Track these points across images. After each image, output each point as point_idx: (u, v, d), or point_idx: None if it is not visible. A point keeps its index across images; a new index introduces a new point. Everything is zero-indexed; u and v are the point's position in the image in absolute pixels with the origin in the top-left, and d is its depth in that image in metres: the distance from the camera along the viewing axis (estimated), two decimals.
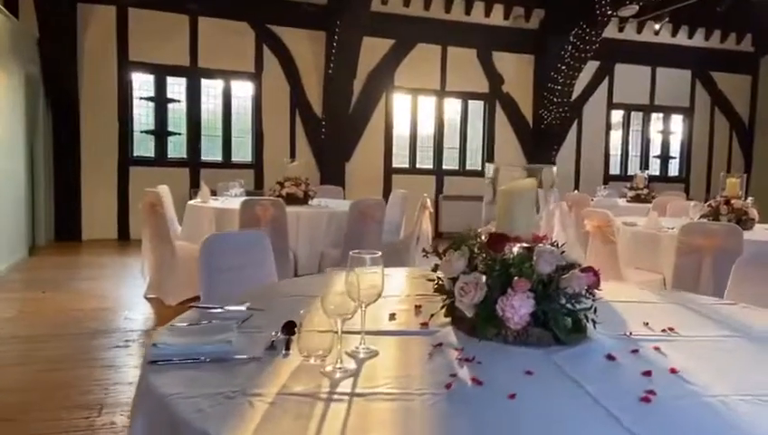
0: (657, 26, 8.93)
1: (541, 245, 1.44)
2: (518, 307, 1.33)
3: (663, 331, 1.54)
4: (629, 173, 10.22)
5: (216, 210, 4.78)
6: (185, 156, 8.45)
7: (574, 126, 10.36)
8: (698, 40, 10.76)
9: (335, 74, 8.52)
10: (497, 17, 9.75)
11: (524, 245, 1.44)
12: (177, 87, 8.35)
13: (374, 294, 1.26)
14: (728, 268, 2.16)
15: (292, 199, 5.17)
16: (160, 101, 8.28)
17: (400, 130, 9.68)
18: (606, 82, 10.46)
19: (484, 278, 1.38)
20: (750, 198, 7.20)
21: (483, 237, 1.48)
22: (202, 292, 2.11)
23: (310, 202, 5.42)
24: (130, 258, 6.68)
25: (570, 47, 9.00)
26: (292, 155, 8.84)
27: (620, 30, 10.06)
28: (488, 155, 10.05)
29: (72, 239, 7.81)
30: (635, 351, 1.36)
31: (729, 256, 3.35)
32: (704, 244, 3.44)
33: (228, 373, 1.15)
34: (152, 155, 8.31)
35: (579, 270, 1.42)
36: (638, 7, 7.90)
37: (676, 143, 11.10)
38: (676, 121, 11.04)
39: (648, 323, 1.59)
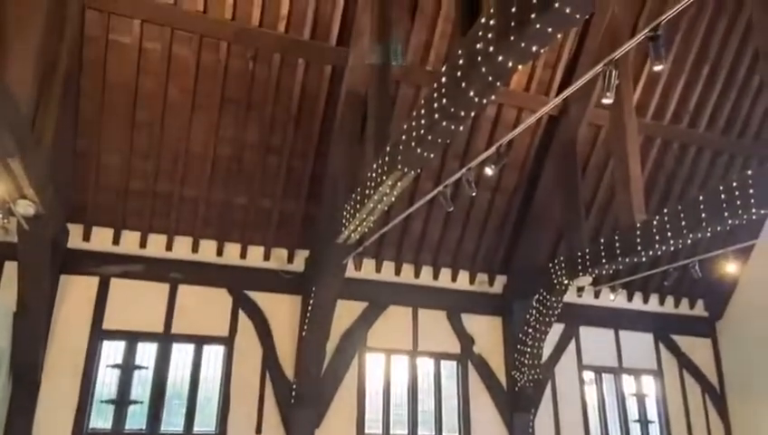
0: (611, 295, 9.58)
1: None
2: None
3: None
4: None
5: None
6: (143, 427, 7.95)
7: (549, 389, 10.30)
8: (654, 305, 11.47)
9: (309, 336, 8.63)
10: (463, 282, 10.40)
11: None
12: (147, 353, 8.27)
13: None
14: None
15: None
16: (128, 368, 8.10)
17: (373, 393, 9.45)
18: (573, 343, 10.75)
19: None
20: None
21: None
22: None
23: None
24: None
25: (534, 311, 9.44)
26: (260, 423, 8.47)
27: (579, 296, 10.75)
28: (464, 418, 9.72)
29: None
30: None
31: None
32: None
33: None
34: (109, 427, 7.81)
35: None
36: (590, 279, 8.55)
37: (652, 406, 10.97)
38: (648, 383, 11.08)
39: None
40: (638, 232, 7.30)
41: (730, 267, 8.40)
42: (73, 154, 7.90)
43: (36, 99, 6.25)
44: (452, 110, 4.54)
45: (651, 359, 11.16)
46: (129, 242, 8.54)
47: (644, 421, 10.77)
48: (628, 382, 10.95)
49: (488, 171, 5.50)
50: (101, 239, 8.40)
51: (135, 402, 8.02)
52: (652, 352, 11.20)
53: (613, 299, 10.12)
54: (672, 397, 11.00)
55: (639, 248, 7.32)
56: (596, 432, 10.37)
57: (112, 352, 8.14)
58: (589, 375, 10.75)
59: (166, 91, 7.93)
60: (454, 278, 10.38)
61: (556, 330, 10.42)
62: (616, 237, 7.74)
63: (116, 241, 8.46)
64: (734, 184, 6.07)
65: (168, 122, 8.11)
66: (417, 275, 10.14)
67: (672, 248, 7.15)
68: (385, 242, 9.65)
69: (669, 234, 6.76)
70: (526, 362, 9.63)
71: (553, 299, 9.30)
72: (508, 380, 9.97)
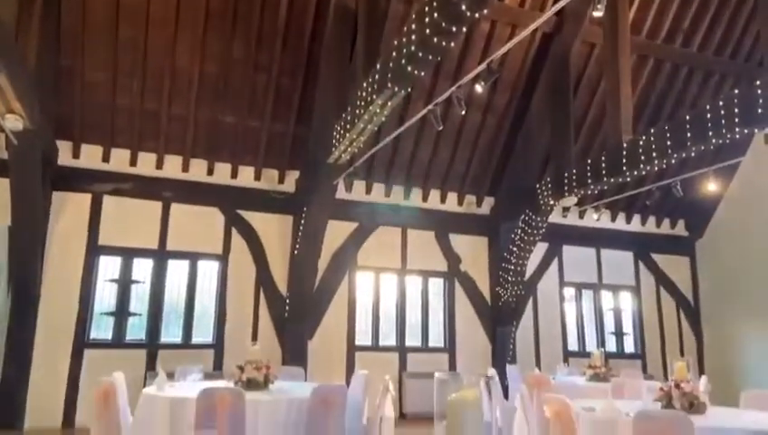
0: (595, 216, 9.83)
1: None
2: None
3: None
4: (587, 349, 10.45)
5: (172, 401, 4.64)
6: (143, 337, 8.31)
7: (530, 303, 10.77)
8: (636, 225, 11.80)
9: (300, 256, 8.87)
10: (452, 204, 10.60)
11: None
12: (143, 268, 8.50)
13: None
14: None
15: (252, 384, 5.10)
16: (125, 282, 8.36)
17: (363, 308, 9.85)
18: (556, 261, 11.13)
19: None
20: (703, 378, 7.40)
21: None
22: None
23: (270, 387, 5.33)
24: None
25: (519, 231, 9.72)
26: (255, 335, 8.85)
27: (564, 216, 11.02)
28: (450, 331, 10.21)
29: (14, 426, 7.26)
30: None
31: None
32: (659, 431, 3.51)
33: None
34: (109, 337, 8.15)
35: None
36: (576, 199, 8.75)
37: (628, 320, 11.55)
38: (625, 298, 11.61)
39: None
40: (625, 152, 7.42)
41: (711, 186, 8.59)
42: (58, 71, 7.76)
43: (17, 15, 6.09)
44: (443, 24, 4.50)
45: (630, 276, 11.62)
46: (120, 160, 8.56)
47: (619, 333, 11.38)
48: (606, 298, 11.46)
49: (478, 88, 5.51)
50: (91, 157, 8.41)
51: (134, 315, 8.33)
52: (631, 270, 11.65)
53: (597, 219, 10.40)
54: (648, 311, 11.56)
55: (625, 168, 7.47)
56: (573, 343, 10.94)
57: (109, 267, 8.35)
58: (569, 291, 11.22)
59: (148, 6, 7.69)
60: (443, 200, 10.56)
61: (540, 248, 10.76)
62: (602, 158, 7.86)
63: (106, 159, 8.47)
64: (721, 103, 6.14)
65: (151, 38, 7.92)
66: (406, 196, 10.29)
67: (656, 168, 7.31)
68: (375, 164, 9.72)
69: (654, 154, 6.89)
70: (510, 279, 10.01)
71: (539, 219, 9.55)
72: (492, 296, 10.39)
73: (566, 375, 7.92)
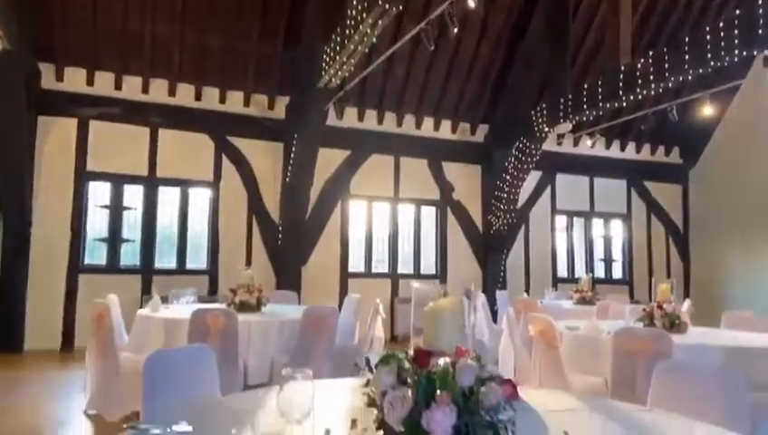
0: (589, 142, 9.73)
1: (463, 359, 1.57)
2: (441, 420, 1.43)
3: None
4: (576, 275, 10.63)
5: (166, 321, 4.74)
6: (137, 263, 8.39)
7: (522, 231, 10.86)
8: (630, 153, 11.73)
9: (292, 183, 8.83)
10: (445, 131, 10.46)
11: (448, 359, 1.57)
12: (134, 195, 8.46)
13: (305, 413, 1.36)
14: None
15: (244, 307, 5.20)
16: (116, 208, 8.35)
17: (356, 236, 9.93)
18: (549, 190, 11.14)
19: (410, 392, 1.49)
20: (687, 301, 7.58)
21: (410, 353, 1.60)
22: (144, 410, 2.12)
23: (263, 309, 5.44)
24: (73, 371, 6.40)
25: (513, 159, 9.65)
26: (248, 261, 8.92)
27: (559, 144, 10.92)
28: (442, 259, 10.35)
29: (13, 350, 7.45)
30: None
31: (659, 361, 3.56)
32: (636, 348, 3.62)
33: None
34: (104, 262, 8.23)
35: (497, 382, 1.56)
36: (570, 125, 8.64)
37: (618, 247, 11.71)
38: (616, 226, 11.73)
39: (567, 433, 1.70)
40: (622, 75, 7.26)
41: (707, 110, 8.42)
42: None
43: None
44: None
45: (622, 204, 11.69)
46: (104, 83, 8.33)
47: (608, 260, 11.57)
48: (597, 225, 11.57)
49: (471, 3, 5.28)
50: (75, 80, 8.18)
51: (127, 241, 8.37)
52: (623, 198, 11.70)
53: (591, 146, 10.30)
54: (638, 239, 11.70)
55: (621, 93, 7.33)
56: (563, 270, 11.13)
57: (99, 193, 8.32)
58: (561, 219, 11.30)
59: None
60: (436, 127, 10.42)
61: (533, 177, 10.74)
62: (599, 82, 7.70)
63: (90, 82, 8.24)
64: (721, 25, 5.94)
65: None
66: (399, 123, 10.13)
67: (653, 93, 7.17)
68: (367, 90, 9.50)
69: (652, 77, 6.74)
70: (502, 207, 10.04)
71: (533, 147, 9.47)
72: (484, 224, 10.45)
73: (553, 299, 8.11)
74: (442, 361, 1.57)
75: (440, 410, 1.44)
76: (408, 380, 1.56)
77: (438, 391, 1.47)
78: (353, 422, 1.74)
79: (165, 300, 5.94)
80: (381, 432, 1.59)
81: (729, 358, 3.81)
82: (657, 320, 4.64)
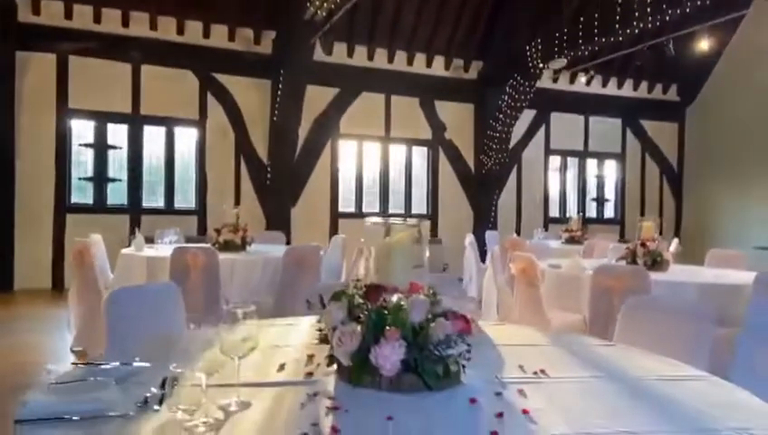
0: (583, 79, 9.48)
1: (416, 295, 1.53)
2: (389, 355, 1.41)
3: (534, 373, 1.64)
4: (568, 215, 10.62)
5: (148, 259, 4.73)
6: (125, 202, 8.33)
7: (514, 171, 10.77)
8: (627, 90, 11.48)
9: (280, 122, 8.66)
10: (438, 68, 10.18)
11: (401, 295, 1.53)
12: (118, 133, 8.30)
13: (247, 348, 1.33)
14: None
15: (229, 246, 5.17)
16: (101, 147, 8.21)
17: (346, 176, 9.84)
18: (543, 129, 10.97)
19: (359, 328, 1.46)
20: (675, 240, 7.59)
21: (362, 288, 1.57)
22: (106, 346, 2.11)
23: (248, 249, 5.42)
24: (63, 309, 6.46)
25: (506, 97, 9.44)
26: (237, 200, 8.87)
27: (554, 81, 10.65)
28: (433, 199, 10.31)
29: (3, 289, 7.51)
30: (498, 393, 1.46)
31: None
32: (613, 285, 3.63)
33: (97, 431, 1.18)
34: (91, 202, 8.17)
35: (451, 317, 1.53)
36: (566, 61, 8.40)
37: (611, 187, 11.66)
38: (610, 166, 11.63)
39: (522, 366, 1.69)
40: (619, 8, 6.99)
41: (704, 44, 8.10)
42: None
43: None
44: None
45: (617, 143, 11.55)
46: (83, 17, 8.01)
47: (601, 200, 11.55)
48: (591, 165, 11.47)
49: None
50: (53, 13, 7.86)
51: (113, 180, 8.28)
52: (618, 137, 11.55)
53: (586, 83, 10.01)
54: (631, 178, 11.64)
55: (618, 26, 7.08)
56: (555, 210, 11.12)
57: (83, 131, 8.15)
58: (554, 159, 11.18)
59: None
60: (429, 64, 10.12)
61: (527, 116, 10.56)
62: (596, 15, 7.42)
63: (68, 15, 7.92)
64: None
65: None
66: (390, 60, 9.84)
67: (650, 26, 6.92)
68: (356, 24, 9.17)
69: (649, 9, 6.48)
70: (494, 146, 9.91)
71: (526, 84, 9.25)
72: (476, 163, 10.35)
73: (542, 239, 8.12)
74: (396, 297, 1.54)
75: (389, 346, 1.42)
76: (361, 316, 1.53)
77: (388, 327, 1.44)
78: (309, 358, 1.74)
79: (150, 241, 5.93)
80: (334, 368, 1.58)
81: (704, 295, 3.84)
82: (639, 258, 4.64)
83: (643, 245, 4.72)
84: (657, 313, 2.22)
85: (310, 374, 1.58)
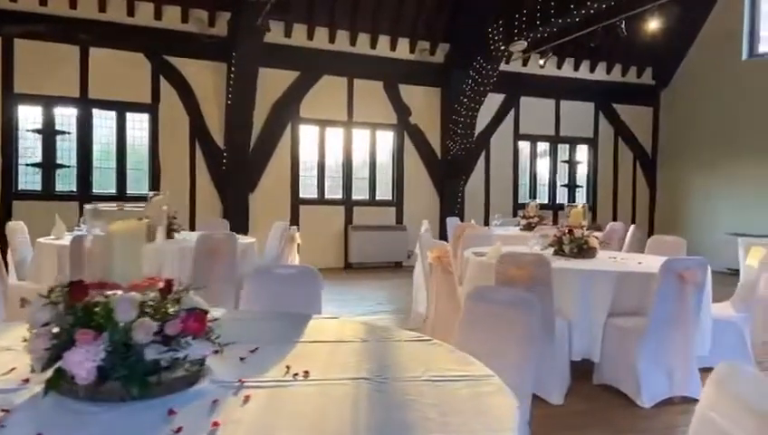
0: (541, 61, 9.20)
1: (133, 292, 1.37)
2: (82, 361, 1.25)
3: (295, 375, 1.49)
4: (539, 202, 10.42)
5: (58, 247, 4.59)
6: (74, 189, 8.18)
7: (483, 157, 10.56)
8: (600, 74, 11.21)
9: (234, 105, 8.48)
10: (403, 51, 9.93)
11: (118, 292, 1.37)
12: (67, 119, 8.12)
13: None
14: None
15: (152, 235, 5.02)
16: (48, 133, 8.03)
17: (308, 161, 9.65)
18: (512, 113, 10.73)
19: (54, 330, 1.31)
20: (632, 226, 7.38)
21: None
22: None
23: (176, 236, 5.27)
24: None
25: (470, 81, 9.22)
26: (193, 187, 8.73)
27: (524, 64, 10.39)
28: (398, 185, 10.13)
29: None
30: (215, 401, 1.30)
31: (538, 286, 3.42)
32: (516, 274, 3.48)
33: None
34: (39, 188, 8.01)
35: (185, 314, 1.37)
36: (526, 43, 8.16)
37: (583, 173, 11.44)
38: (582, 151, 11.40)
39: (289, 367, 1.54)
40: None
41: (654, 24, 7.59)
42: None
43: None
44: None
45: (589, 128, 11.30)
46: None
47: (572, 186, 11.33)
48: (562, 150, 11.25)
49: None
50: None
51: (62, 166, 8.11)
52: (591, 122, 11.30)
53: (541, 66, 9.58)
54: (604, 164, 11.41)
55: (573, 6, 6.85)
56: (524, 197, 10.91)
57: (30, 116, 7.97)
58: (524, 144, 10.96)
59: None
60: (393, 47, 9.87)
61: (496, 100, 10.33)
62: None
63: None
64: None
65: None
66: (353, 42, 9.59)
67: (604, 6, 6.69)
68: (317, 4, 8.93)
69: None
70: (459, 131, 9.70)
71: (489, 67, 9.03)
72: (443, 149, 10.14)
73: (500, 225, 7.94)
74: (113, 294, 1.38)
75: (80, 351, 1.26)
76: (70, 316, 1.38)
77: (78, 330, 1.28)
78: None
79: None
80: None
81: (621, 283, 3.74)
82: (565, 245, 4.48)
83: (570, 232, 4.57)
84: (493, 305, 2.07)
85: (26, 381, 1.42)
